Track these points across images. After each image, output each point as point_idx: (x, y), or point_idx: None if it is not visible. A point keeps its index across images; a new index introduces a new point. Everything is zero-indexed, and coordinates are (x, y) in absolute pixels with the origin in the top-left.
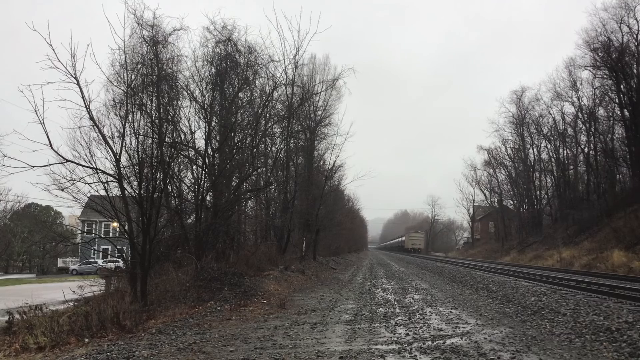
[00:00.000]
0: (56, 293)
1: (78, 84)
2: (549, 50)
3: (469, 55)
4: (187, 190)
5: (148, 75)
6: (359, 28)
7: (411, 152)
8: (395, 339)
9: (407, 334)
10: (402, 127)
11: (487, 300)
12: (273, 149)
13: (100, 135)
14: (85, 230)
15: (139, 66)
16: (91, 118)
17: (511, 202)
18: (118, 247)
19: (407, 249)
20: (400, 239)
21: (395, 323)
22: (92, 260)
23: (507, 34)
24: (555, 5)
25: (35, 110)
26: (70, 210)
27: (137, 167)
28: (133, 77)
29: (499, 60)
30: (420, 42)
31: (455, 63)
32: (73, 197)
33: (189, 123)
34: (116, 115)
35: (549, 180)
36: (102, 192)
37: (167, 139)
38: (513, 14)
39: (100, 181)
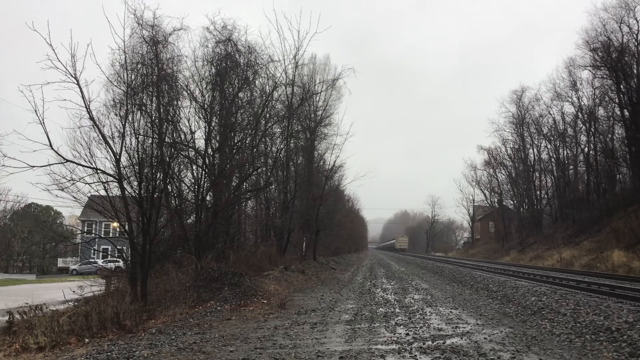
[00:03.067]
0: (56, 293)
1: (78, 84)
2: (551, 50)
3: (481, 57)
4: (187, 190)
5: (148, 75)
6: (377, 25)
7: (414, 152)
8: (395, 339)
9: (407, 334)
10: (409, 127)
11: (487, 300)
12: (273, 149)
13: (100, 135)
14: (85, 230)
15: (139, 66)
16: (91, 118)
17: (511, 202)
18: (118, 247)
19: (396, 249)
20: (392, 241)
21: (395, 323)
22: (92, 260)
23: (526, 33)
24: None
25: (35, 110)
26: (70, 210)
27: (137, 167)
28: (133, 77)
29: (511, 61)
30: (437, 42)
31: (467, 65)
32: (73, 197)
33: (189, 123)
34: (116, 115)
35: (549, 180)
36: (102, 192)
37: (167, 139)
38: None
39: (100, 181)
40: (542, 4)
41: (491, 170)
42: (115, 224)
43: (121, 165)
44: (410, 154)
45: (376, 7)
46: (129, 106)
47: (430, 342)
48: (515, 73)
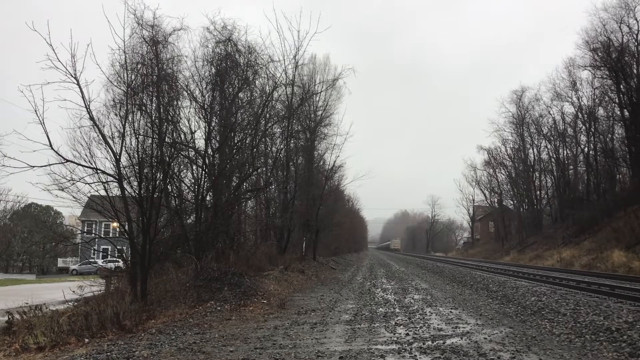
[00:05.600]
0: (56, 293)
1: (78, 84)
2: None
3: (481, 58)
4: (187, 190)
5: (148, 75)
6: (384, 24)
7: (414, 153)
8: (395, 339)
9: (407, 334)
10: (410, 128)
11: (487, 300)
12: (273, 149)
13: (100, 135)
14: (85, 230)
15: (139, 66)
16: (91, 118)
17: (511, 202)
18: (118, 247)
19: (391, 249)
20: (388, 243)
21: (395, 323)
22: (92, 260)
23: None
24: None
25: (35, 111)
26: (70, 210)
27: (137, 167)
28: (133, 77)
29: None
30: (445, 42)
31: (470, 65)
32: (73, 197)
33: (189, 123)
34: (116, 115)
35: (549, 180)
36: (102, 192)
37: (167, 139)
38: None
39: (100, 181)
40: (542, 4)
41: (491, 170)
42: (115, 224)
43: (121, 165)
44: (410, 154)
45: (375, 7)
46: (129, 106)
47: (430, 342)
48: (516, 73)
